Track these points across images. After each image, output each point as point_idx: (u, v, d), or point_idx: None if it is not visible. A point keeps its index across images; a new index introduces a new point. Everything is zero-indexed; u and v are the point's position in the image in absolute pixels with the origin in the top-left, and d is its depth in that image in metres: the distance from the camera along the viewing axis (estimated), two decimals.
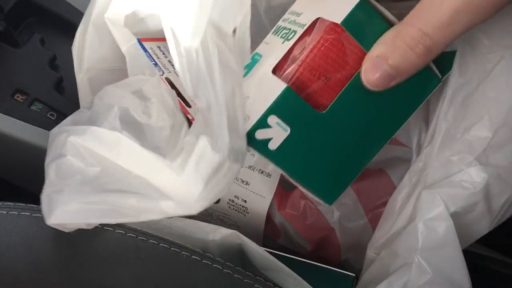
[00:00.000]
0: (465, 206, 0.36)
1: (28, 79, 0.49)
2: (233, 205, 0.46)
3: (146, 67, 0.42)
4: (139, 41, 0.38)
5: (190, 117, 0.42)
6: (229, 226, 0.48)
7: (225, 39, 0.33)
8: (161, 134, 0.39)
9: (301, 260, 0.42)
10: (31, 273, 0.34)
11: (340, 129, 0.36)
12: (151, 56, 0.39)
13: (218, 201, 0.46)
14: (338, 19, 0.34)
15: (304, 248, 0.47)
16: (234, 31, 0.34)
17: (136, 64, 0.42)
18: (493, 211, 0.37)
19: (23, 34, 0.53)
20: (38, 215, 0.35)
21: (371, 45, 0.34)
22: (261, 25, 0.43)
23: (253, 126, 0.34)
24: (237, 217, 0.47)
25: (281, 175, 0.45)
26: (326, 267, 0.42)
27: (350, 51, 0.35)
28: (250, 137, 0.34)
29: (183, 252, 0.35)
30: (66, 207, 0.34)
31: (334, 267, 0.42)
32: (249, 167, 0.45)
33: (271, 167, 0.45)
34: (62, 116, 0.49)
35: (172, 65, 0.39)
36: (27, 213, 0.36)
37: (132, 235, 0.35)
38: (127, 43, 0.40)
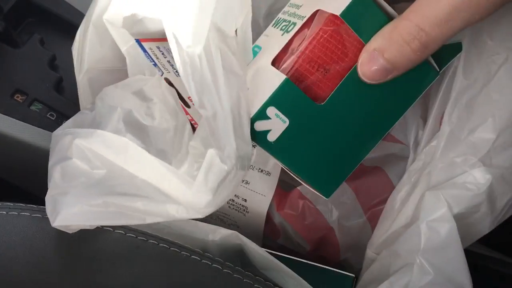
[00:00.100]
0: (468, 207, 0.36)
1: (27, 79, 0.49)
2: (233, 205, 0.46)
3: (146, 67, 0.42)
4: (139, 41, 0.38)
5: (189, 117, 0.42)
6: (228, 226, 0.48)
7: (227, 41, 0.33)
8: (165, 136, 0.39)
9: (301, 261, 0.42)
10: (31, 273, 0.34)
11: (339, 121, 0.36)
12: (151, 57, 0.39)
13: None
14: (337, 11, 0.34)
15: (303, 248, 0.47)
16: (236, 31, 0.34)
17: (136, 64, 0.42)
18: (495, 212, 0.37)
19: (23, 34, 0.53)
20: (38, 215, 0.35)
21: (370, 38, 0.34)
22: (260, 31, 0.43)
23: (252, 117, 0.34)
24: (237, 217, 0.47)
25: (281, 174, 0.45)
26: (325, 268, 0.42)
27: (349, 43, 0.35)
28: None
29: (182, 252, 0.35)
30: (71, 209, 0.34)
31: (334, 267, 0.42)
32: (250, 159, 0.45)
33: (270, 165, 0.45)
34: (61, 116, 0.49)
35: (172, 65, 0.39)
36: (27, 214, 0.36)
37: (132, 235, 0.35)
38: (126, 44, 0.40)
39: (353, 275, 0.41)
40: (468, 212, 0.36)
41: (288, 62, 0.35)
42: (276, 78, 0.34)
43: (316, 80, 0.35)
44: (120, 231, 0.35)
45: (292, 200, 0.46)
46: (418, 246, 0.35)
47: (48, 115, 0.49)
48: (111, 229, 0.35)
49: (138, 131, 0.38)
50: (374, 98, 0.36)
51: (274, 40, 0.37)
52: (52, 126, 0.47)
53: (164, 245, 0.35)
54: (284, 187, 0.46)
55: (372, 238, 0.42)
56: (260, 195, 0.45)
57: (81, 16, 0.42)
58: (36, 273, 0.34)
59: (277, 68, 0.35)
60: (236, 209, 0.46)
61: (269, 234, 0.48)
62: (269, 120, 0.35)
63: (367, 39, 0.34)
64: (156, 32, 0.36)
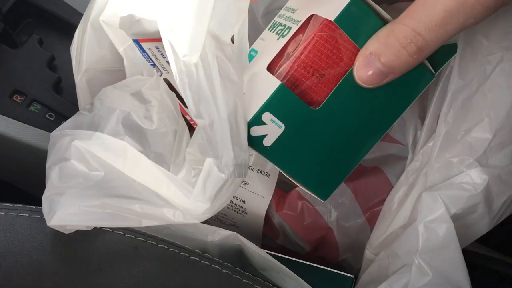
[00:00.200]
0: (465, 207, 0.36)
1: (26, 80, 0.49)
2: (232, 206, 0.46)
3: (143, 68, 0.42)
4: (138, 42, 0.38)
5: (188, 118, 0.42)
6: (228, 226, 0.48)
7: (224, 48, 0.33)
8: (163, 140, 0.39)
9: (300, 262, 0.42)
10: (30, 274, 0.34)
11: (334, 125, 0.36)
12: (149, 57, 0.39)
13: None
14: (332, 16, 0.34)
15: (302, 248, 0.47)
16: (232, 38, 0.34)
17: (133, 65, 0.42)
18: (493, 212, 0.37)
19: (21, 35, 0.53)
20: (36, 216, 0.35)
21: (365, 42, 0.34)
22: (259, 29, 0.43)
23: (248, 122, 0.35)
24: (236, 218, 0.47)
25: (280, 175, 0.45)
26: (324, 268, 0.42)
27: (344, 48, 0.35)
28: None
29: (182, 253, 0.35)
30: (67, 210, 0.34)
31: (333, 267, 0.42)
32: (248, 167, 0.45)
33: (269, 167, 0.45)
34: (60, 116, 0.49)
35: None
36: (26, 214, 0.36)
37: (131, 235, 0.35)
38: (123, 44, 0.41)
39: (352, 275, 0.41)
40: (465, 213, 0.36)
41: (283, 67, 0.35)
42: (271, 84, 0.34)
43: (311, 84, 0.35)
44: (119, 232, 0.35)
45: (291, 200, 0.46)
46: (416, 247, 0.36)
47: (47, 116, 0.49)
48: (110, 229, 0.35)
49: (137, 134, 0.38)
50: (369, 102, 0.36)
51: (270, 44, 0.37)
52: (51, 126, 0.47)
53: (163, 246, 0.35)
54: (283, 187, 0.46)
55: (371, 239, 0.42)
56: (258, 197, 0.45)
57: (79, 16, 0.42)
58: (34, 274, 0.34)
59: (273, 73, 0.35)
60: (235, 210, 0.46)
61: (268, 235, 0.48)
62: (265, 125, 0.35)
63: (362, 43, 0.35)
64: (154, 32, 0.36)
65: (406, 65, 0.34)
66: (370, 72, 0.34)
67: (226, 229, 0.40)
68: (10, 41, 0.50)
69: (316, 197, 0.37)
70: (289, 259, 0.42)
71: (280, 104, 0.35)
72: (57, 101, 0.49)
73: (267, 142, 0.35)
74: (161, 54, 0.39)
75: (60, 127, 0.39)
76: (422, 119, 0.44)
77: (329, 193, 0.38)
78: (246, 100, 0.35)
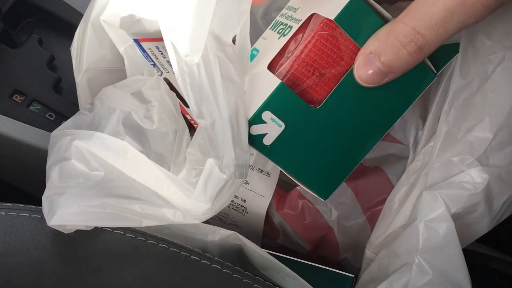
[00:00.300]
0: (466, 207, 0.36)
1: (26, 80, 0.49)
2: (233, 205, 0.46)
3: (144, 68, 0.42)
4: (138, 41, 0.38)
5: (188, 117, 0.42)
6: (228, 225, 0.48)
7: (225, 49, 0.33)
8: (164, 140, 0.39)
9: (300, 261, 0.42)
10: (30, 274, 0.34)
11: (335, 125, 0.36)
12: (150, 57, 0.39)
13: None
14: (332, 15, 0.34)
15: (303, 248, 0.47)
16: (233, 39, 0.34)
17: (134, 64, 0.42)
18: (493, 211, 0.37)
19: (21, 35, 0.53)
20: (36, 216, 0.35)
21: (366, 41, 0.34)
22: (259, 30, 0.43)
23: (248, 121, 0.35)
24: (236, 217, 0.47)
25: (280, 174, 0.45)
26: (325, 268, 0.42)
27: (344, 47, 0.35)
28: None
29: (182, 252, 0.35)
30: (67, 209, 0.34)
31: (333, 266, 0.42)
32: (249, 167, 0.45)
33: (270, 166, 0.45)
34: (60, 116, 0.49)
35: (171, 65, 0.39)
36: (26, 214, 0.36)
37: (131, 235, 0.35)
38: (124, 44, 0.41)
39: (352, 275, 0.41)
40: (465, 212, 0.36)
41: (284, 66, 0.35)
42: (272, 83, 0.35)
43: (312, 83, 0.35)
44: (119, 232, 0.35)
45: (292, 200, 0.46)
46: (416, 246, 0.36)
47: (47, 116, 0.49)
48: (110, 229, 0.35)
49: (137, 134, 0.38)
50: (370, 101, 0.36)
51: (271, 43, 0.37)
52: (51, 126, 0.47)
53: (164, 245, 0.35)
54: (284, 187, 0.46)
55: (371, 238, 0.42)
56: (259, 196, 0.45)
57: (79, 16, 0.42)
58: (34, 274, 0.34)
59: (274, 72, 0.35)
60: (235, 209, 0.46)
61: (268, 234, 0.48)
62: (265, 124, 0.35)
63: (363, 42, 0.35)
64: (154, 32, 0.36)
65: (406, 64, 0.33)
66: (370, 71, 0.34)
67: (227, 228, 0.40)
68: (10, 41, 0.50)
69: (317, 196, 0.38)
70: (289, 258, 0.42)
71: (280, 103, 0.35)
72: (57, 101, 0.49)
73: (267, 140, 0.35)
74: (161, 53, 0.39)
75: (60, 127, 0.39)
76: (424, 119, 0.44)
77: (329, 192, 0.38)
78: (247, 98, 0.35)
